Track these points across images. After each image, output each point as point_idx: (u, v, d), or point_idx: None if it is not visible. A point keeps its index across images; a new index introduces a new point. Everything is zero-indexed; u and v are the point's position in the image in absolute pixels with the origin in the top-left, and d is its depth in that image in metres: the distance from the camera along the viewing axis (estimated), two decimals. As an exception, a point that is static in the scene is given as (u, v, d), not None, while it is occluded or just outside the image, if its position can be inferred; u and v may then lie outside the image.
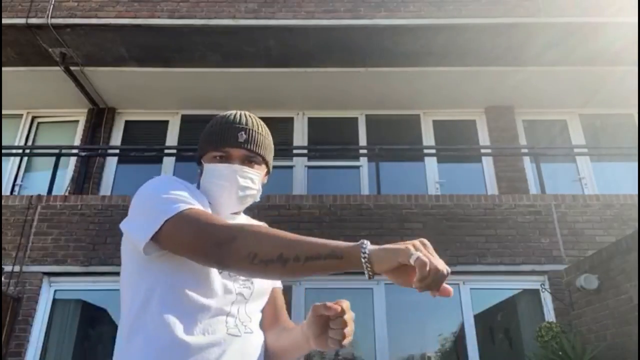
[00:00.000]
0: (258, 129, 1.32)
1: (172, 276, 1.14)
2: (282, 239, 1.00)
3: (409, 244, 0.90)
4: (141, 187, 1.21)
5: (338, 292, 5.51)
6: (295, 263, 0.96)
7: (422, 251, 0.89)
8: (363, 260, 0.91)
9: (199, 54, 6.51)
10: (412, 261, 0.87)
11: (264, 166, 1.35)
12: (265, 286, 1.32)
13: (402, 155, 7.28)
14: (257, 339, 1.25)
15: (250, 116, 1.34)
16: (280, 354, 1.27)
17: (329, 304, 1.01)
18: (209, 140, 1.32)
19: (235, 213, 1.36)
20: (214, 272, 1.17)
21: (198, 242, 1.06)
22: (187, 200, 1.13)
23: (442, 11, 6.15)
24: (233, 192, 1.27)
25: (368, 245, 0.93)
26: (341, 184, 7.13)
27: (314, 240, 0.98)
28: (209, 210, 1.20)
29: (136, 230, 1.13)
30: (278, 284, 1.42)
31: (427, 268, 0.86)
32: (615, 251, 4.07)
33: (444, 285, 0.89)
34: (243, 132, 1.29)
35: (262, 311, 1.32)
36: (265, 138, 1.34)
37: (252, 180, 1.28)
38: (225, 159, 1.28)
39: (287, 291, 1.43)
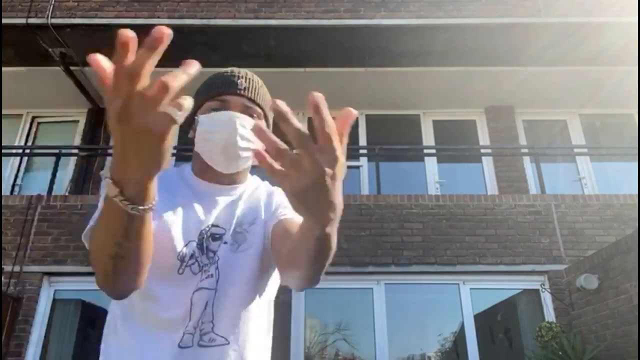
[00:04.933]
0: (259, 82, 1.17)
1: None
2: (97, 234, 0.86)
3: None
4: None
5: (338, 292, 5.52)
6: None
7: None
8: (108, 182, 0.73)
9: (199, 54, 6.50)
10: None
11: (264, 122, 1.11)
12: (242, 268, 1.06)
13: (402, 155, 7.28)
14: (219, 354, 1.00)
15: (250, 72, 1.18)
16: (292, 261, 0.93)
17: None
18: (203, 91, 1.12)
19: (235, 179, 1.12)
20: (162, 281, 1.01)
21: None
22: None
23: (442, 11, 6.15)
24: (231, 143, 1.04)
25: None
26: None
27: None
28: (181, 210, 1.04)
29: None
30: (275, 218, 1.09)
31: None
32: (615, 251, 4.07)
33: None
34: (243, 80, 1.12)
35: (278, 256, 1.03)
36: (267, 93, 1.17)
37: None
38: (223, 108, 1.08)
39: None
